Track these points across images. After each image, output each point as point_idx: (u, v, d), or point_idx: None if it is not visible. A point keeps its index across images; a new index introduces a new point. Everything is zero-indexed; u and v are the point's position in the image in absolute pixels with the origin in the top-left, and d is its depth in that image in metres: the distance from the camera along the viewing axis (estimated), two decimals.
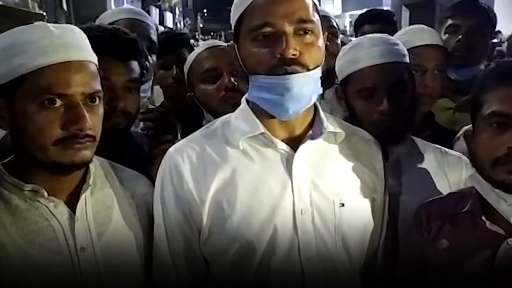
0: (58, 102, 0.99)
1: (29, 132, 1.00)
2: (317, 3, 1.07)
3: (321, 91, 1.08)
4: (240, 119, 1.12)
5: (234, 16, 1.08)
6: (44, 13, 12.20)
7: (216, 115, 1.42)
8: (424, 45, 1.64)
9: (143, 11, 2.08)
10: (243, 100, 1.15)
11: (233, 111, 1.20)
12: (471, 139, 1.12)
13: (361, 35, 2.61)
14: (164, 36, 2.06)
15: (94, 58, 1.07)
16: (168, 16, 31.69)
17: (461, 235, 1.12)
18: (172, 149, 1.14)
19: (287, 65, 0.99)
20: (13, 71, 0.99)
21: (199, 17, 49.53)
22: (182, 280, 1.13)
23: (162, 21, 28.82)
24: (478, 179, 1.10)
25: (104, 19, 1.85)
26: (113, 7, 17.59)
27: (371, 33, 2.36)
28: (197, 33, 44.29)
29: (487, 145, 1.05)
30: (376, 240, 1.19)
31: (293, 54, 0.99)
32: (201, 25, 48.91)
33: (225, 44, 1.62)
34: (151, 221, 1.17)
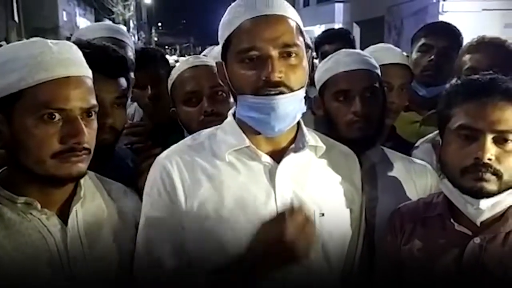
0: (57, 117, 1.01)
1: (27, 146, 1.01)
2: (301, 25, 1.13)
3: (305, 109, 1.14)
4: (227, 132, 1.17)
5: (222, 35, 1.13)
6: None
7: None
8: (392, 64, 1.76)
9: (121, 29, 2.05)
10: (230, 114, 1.20)
11: None
12: (440, 149, 1.22)
13: (321, 54, 2.76)
14: (137, 55, 2.03)
15: (90, 73, 1.10)
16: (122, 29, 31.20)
17: (432, 236, 1.22)
18: (162, 155, 1.18)
19: (272, 87, 1.05)
20: (12, 86, 1.00)
21: (153, 31, 49.04)
22: (166, 265, 1.11)
23: None
24: (447, 186, 1.20)
25: (83, 36, 1.83)
26: (65, 19, 17.23)
27: (331, 52, 2.50)
28: (151, 46, 43.84)
29: (455, 155, 1.15)
30: (354, 247, 1.26)
31: (279, 77, 1.05)
32: (155, 39, 48.46)
33: (207, 62, 1.63)
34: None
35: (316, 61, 2.89)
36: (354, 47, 2.78)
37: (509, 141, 1.11)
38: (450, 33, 2.15)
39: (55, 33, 15.07)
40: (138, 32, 40.44)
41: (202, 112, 1.52)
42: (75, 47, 1.09)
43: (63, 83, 1.02)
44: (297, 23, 1.11)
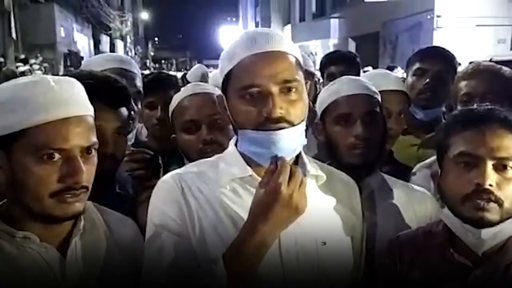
0: (57, 156, 1.02)
1: (26, 184, 1.02)
2: (301, 60, 1.14)
3: (305, 142, 1.15)
4: (229, 162, 1.17)
5: (222, 70, 1.15)
6: None
7: None
8: (390, 90, 1.78)
9: (130, 59, 2.07)
10: (231, 143, 1.21)
11: None
12: (439, 178, 1.22)
13: (327, 76, 2.78)
14: (152, 77, 2.08)
15: (91, 110, 1.11)
16: (119, 44, 31.37)
17: (432, 267, 1.21)
18: (166, 176, 1.19)
19: (273, 123, 1.06)
20: (13, 125, 1.01)
21: (150, 45, 49.32)
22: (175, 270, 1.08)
23: (112, 50, 28.51)
24: (447, 215, 1.19)
25: (91, 67, 1.83)
26: (62, 35, 17.30)
27: (337, 73, 2.52)
28: (148, 60, 44.17)
29: (455, 183, 1.15)
30: (356, 275, 1.26)
31: (280, 113, 1.06)
32: (152, 53, 48.72)
33: (207, 90, 1.64)
34: (136, 263, 1.18)
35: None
36: (359, 71, 2.79)
37: (509, 168, 1.12)
38: (444, 57, 2.19)
39: (52, 49, 15.12)
40: (135, 47, 40.67)
41: (201, 140, 1.53)
42: (77, 84, 1.10)
43: (63, 123, 1.02)
44: (296, 58, 1.13)
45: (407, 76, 2.21)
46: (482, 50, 11.35)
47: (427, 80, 2.10)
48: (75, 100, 1.06)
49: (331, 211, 1.21)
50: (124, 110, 1.39)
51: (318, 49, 23.41)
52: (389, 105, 1.73)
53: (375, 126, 1.45)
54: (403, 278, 1.25)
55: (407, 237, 1.31)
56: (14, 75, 7.33)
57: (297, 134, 1.10)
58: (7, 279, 1.01)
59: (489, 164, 1.11)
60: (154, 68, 36.26)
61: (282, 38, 1.13)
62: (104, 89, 1.31)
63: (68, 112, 1.03)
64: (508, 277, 1.13)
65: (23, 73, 8.87)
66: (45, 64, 12.72)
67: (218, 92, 1.37)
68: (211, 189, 1.15)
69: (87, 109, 1.09)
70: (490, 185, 1.10)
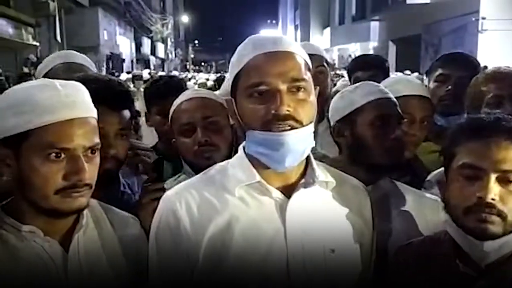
0: (62, 155, 1.07)
1: (32, 182, 1.07)
2: (309, 62, 1.14)
3: (313, 144, 1.13)
4: (237, 167, 1.17)
5: (231, 73, 1.15)
6: (38, 44, 12.37)
7: (192, 167, 1.52)
8: (414, 95, 1.73)
9: (80, 54, 2.08)
10: (240, 148, 1.20)
11: (208, 164, 1.27)
12: (445, 187, 1.19)
13: (354, 80, 2.71)
14: (161, 82, 2.11)
15: (94, 113, 1.15)
16: (160, 46, 32.06)
17: (437, 276, 1.18)
18: (170, 193, 1.19)
19: (281, 121, 1.05)
20: (21, 126, 1.06)
21: (190, 48, 50.11)
22: None
23: (154, 52, 29.19)
24: (452, 225, 1.16)
25: (46, 66, 1.96)
26: (106, 38, 17.84)
27: (364, 78, 2.47)
28: (188, 63, 44.94)
29: (459, 194, 1.12)
30: (363, 280, 1.23)
31: (287, 110, 1.05)
32: (192, 55, 49.48)
33: (203, 94, 1.66)
34: (138, 262, 1.21)
35: (340, 82, 2.81)
36: (387, 76, 2.69)
37: None
38: (467, 63, 2.13)
39: (95, 51, 15.65)
40: (175, 50, 41.44)
41: (196, 143, 1.55)
42: (82, 88, 1.15)
43: (67, 124, 1.08)
44: (305, 60, 1.13)
45: (429, 82, 2.16)
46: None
47: (449, 86, 2.05)
48: (79, 103, 1.11)
49: (340, 217, 1.19)
50: (126, 112, 1.43)
51: (358, 52, 23.09)
52: (414, 111, 1.69)
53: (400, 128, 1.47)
54: (408, 285, 1.22)
55: (415, 246, 1.28)
56: None
57: (305, 136, 1.09)
58: (12, 271, 1.06)
59: (493, 177, 1.08)
60: (194, 70, 36.84)
61: (291, 41, 1.14)
62: (107, 93, 1.35)
63: (72, 114, 1.08)
64: None
65: None
66: None
67: (216, 97, 1.35)
68: (218, 196, 1.14)
69: (90, 111, 1.14)
70: (493, 199, 1.06)
